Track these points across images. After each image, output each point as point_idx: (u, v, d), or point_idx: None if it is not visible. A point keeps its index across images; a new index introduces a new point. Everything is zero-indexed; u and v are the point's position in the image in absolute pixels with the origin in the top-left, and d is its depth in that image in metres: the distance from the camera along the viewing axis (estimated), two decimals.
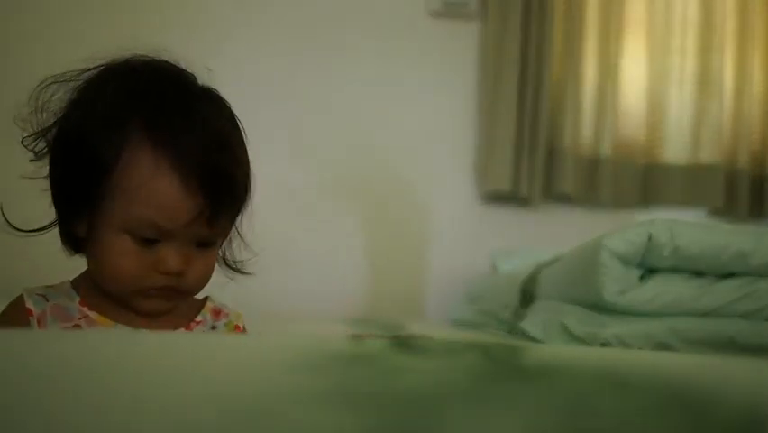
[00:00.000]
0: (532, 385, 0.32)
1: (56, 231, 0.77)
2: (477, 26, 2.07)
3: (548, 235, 2.01)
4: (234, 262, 0.79)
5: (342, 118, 2.03)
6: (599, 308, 1.03)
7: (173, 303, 0.71)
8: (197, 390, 0.30)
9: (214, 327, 0.76)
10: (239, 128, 0.74)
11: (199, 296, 0.77)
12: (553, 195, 2.04)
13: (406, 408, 0.28)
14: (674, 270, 1.00)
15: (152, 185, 0.66)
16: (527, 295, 1.31)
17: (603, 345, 0.97)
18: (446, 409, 0.28)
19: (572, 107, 2.02)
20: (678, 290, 0.98)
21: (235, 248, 0.79)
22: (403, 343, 0.41)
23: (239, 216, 0.75)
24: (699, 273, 1.00)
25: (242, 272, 0.79)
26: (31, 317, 0.68)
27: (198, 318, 0.76)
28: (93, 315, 0.70)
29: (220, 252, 0.77)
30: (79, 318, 0.69)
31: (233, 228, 0.76)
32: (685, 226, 0.97)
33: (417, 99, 2.06)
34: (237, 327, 0.78)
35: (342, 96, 2.03)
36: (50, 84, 0.74)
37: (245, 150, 0.74)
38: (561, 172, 2.01)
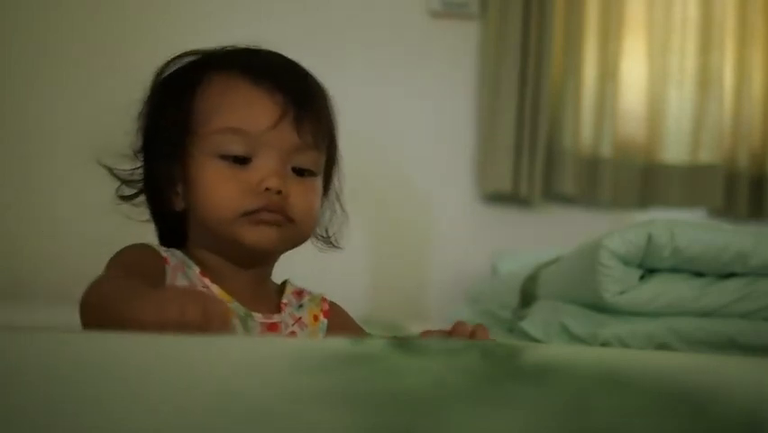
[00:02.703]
0: (532, 385, 0.32)
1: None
2: (477, 26, 2.07)
3: (548, 235, 2.01)
4: (328, 234, 0.78)
5: (342, 118, 2.03)
6: (600, 308, 1.03)
7: (283, 238, 0.68)
8: (197, 389, 0.30)
9: (300, 306, 0.76)
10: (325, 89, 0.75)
11: (277, 280, 0.77)
12: (552, 195, 2.04)
13: (406, 408, 0.28)
14: (674, 270, 1.00)
15: (228, 95, 0.67)
16: (527, 295, 1.31)
17: (603, 345, 0.97)
18: (446, 409, 0.28)
19: (572, 107, 2.02)
20: (678, 290, 0.98)
21: (331, 221, 0.78)
22: (403, 343, 0.41)
23: (333, 173, 0.75)
24: (699, 274, 1.00)
25: (335, 246, 0.79)
26: (167, 266, 0.67)
27: (284, 300, 0.75)
28: (214, 288, 0.69)
29: (319, 227, 0.76)
30: (203, 287, 0.68)
31: (333, 193, 0.76)
32: (685, 227, 0.97)
33: (417, 99, 2.06)
34: (324, 300, 0.78)
35: (341, 95, 2.03)
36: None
37: (330, 101, 0.75)
38: (561, 172, 2.01)
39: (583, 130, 2.03)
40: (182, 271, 0.68)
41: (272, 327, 0.71)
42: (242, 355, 0.37)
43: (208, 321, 0.48)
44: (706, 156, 2.07)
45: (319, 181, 0.72)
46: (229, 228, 0.67)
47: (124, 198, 0.73)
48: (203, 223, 0.69)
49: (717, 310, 0.97)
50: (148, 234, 0.72)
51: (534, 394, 0.30)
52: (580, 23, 2.03)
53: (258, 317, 0.70)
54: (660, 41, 2.08)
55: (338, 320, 0.78)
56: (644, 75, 2.08)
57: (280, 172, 0.66)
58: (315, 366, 0.33)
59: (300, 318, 0.75)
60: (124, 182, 0.74)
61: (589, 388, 0.32)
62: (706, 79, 2.08)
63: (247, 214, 0.66)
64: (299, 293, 0.78)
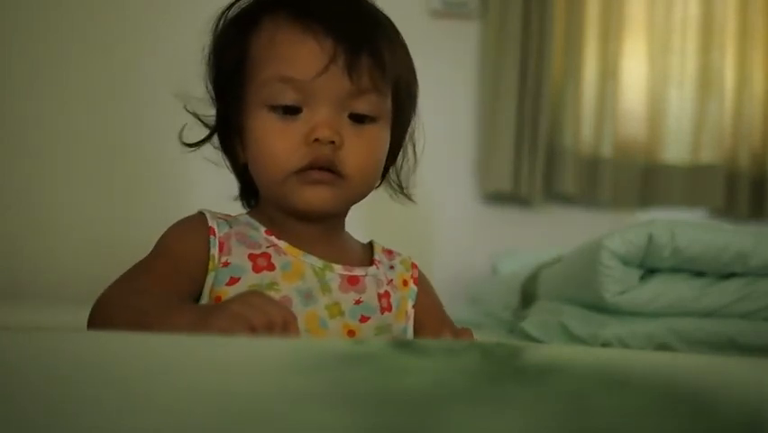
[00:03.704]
0: (532, 385, 0.32)
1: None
2: (477, 26, 2.07)
3: (548, 236, 2.01)
4: (400, 180, 0.74)
5: None
6: (600, 308, 1.03)
7: (337, 196, 0.65)
8: (197, 389, 0.30)
9: (392, 267, 0.73)
10: (395, 27, 0.70)
11: (363, 240, 0.75)
12: (553, 195, 2.04)
13: (406, 408, 0.28)
14: (675, 270, 1.00)
15: (276, 41, 0.63)
16: (528, 295, 1.31)
17: (604, 345, 0.97)
18: (446, 409, 0.28)
19: (572, 107, 2.02)
20: (678, 290, 0.98)
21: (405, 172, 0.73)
22: (403, 343, 0.41)
23: (406, 119, 0.70)
24: (699, 274, 1.00)
25: (408, 197, 0.75)
26: (212, 237, 0.65)
27: (376, 257, 0.72)
28: (281, 244, 0.67)
29: (392, 173, 0.72)
30: (267, 247, 0.66)
31: (407, 135, 0.71)
32: (686, 227, 0.97)
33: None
34: (414, 266, 0.75)
35: None
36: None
37: (399, 38, 0.69)
38: (561, 172, 2.01)
39: (584, 130, 2.03)
40: (239, 238, 0.66)
41: (352, 280, 0.68)
42: (242, 355, 0.37)
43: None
44: (706, 156, 2.07)
45: (382, 126, 0.67)
46: (280, 189, 0.65)
47: (188, 145, 0.70)
48: (257, 181, 0.68)
49: (718, 310, 0.97)
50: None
51: (534, 394, 0.30)
52: (580, 23, 2.03)
53: (338, 268, 0.67)
54: (660, 40, 2.08)
55: (424, 290, 0.75)
56: (645, 75, 2.08)
57: (332, 121, 0.62)
58: (314, 366, 0.33)
59: (392, 280, 0.72)
60: (210, 128, 0.71)
61: (589, 388, 0.32)
62: (706, 79, 2.08)
63: (297, 172, 0.63)
64: (389, 253, 0.75)
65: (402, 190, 0.75)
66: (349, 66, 0.61)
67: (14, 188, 1.83)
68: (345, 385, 0.30)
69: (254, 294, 0.53)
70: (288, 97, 0.62)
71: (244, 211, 0.74)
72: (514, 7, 1.98)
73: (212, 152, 0.73)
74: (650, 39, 2.08)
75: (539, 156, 1.99)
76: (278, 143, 0.63)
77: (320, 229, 0.69)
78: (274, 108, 0.63)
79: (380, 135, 0.67)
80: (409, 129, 0.73)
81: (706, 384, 0.35)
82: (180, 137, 0.70)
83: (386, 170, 0.73)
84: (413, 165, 0.74)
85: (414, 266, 0.75)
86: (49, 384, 0.30)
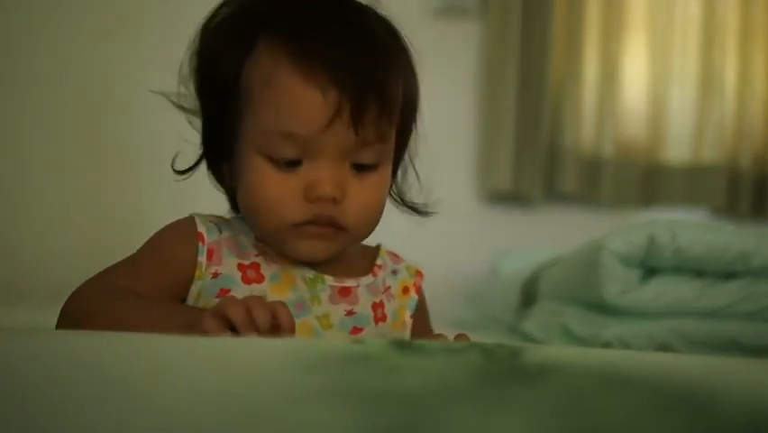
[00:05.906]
0: (532, 385, 0.32)
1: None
2: (477, 26, 2.07)
3: (549, 235, 2.01)
4: (410, 201, 0.71)
5: None
6: (601, 308, 1.02)
7: (335, 247, 0.62)
8: (197, 389, 0.30)
9: (394, 272, 0.71)
10: (398, 36, 0.66)
11: (370, 243, 0.71)
12: (554, 195, 2.04)
13: (406, 408, 0.28)
14: (676, 270, 1.00)
15: (275, 85, 0.57)
16: (528, 296, 1.31)
17: (604, 345, 0.97)
18: (446, 409, 0.28)
19: (573, 107, 2.02)
20: (679, 290, 0.98)
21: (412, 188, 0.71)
22: (403, 343, 0.41)
23: (409, 139, 0.67)
24: (700, 274, 1.00)
25: (422, 212, 0.72)
26: (201, 244, 0.62)
27: (379, 262, 0.70)
28: (270, 251, 0.64)
29: (393, 191, 0.69)
30: (256, 256, 0.63)
31: (406, 158, 0.69)
32: (687, 227, 0.97)
33: None
34: (419, 273, 0.73)
35: None
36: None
37: (406, 55, 0.65)
38: (562, 172, 2.01)
39: (584, 130, 2.03)
40: (230, 246, 0.63)
41: (343, 291, 0.65)
42: (242, 355, 0.37)
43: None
44: (708, 156, 2.07)
45: (384, 169, 0.64)
46: (274, 237, 0.62)
47: (179, 173, 0.67)
48: (248, 221, 0.64)
49: (719, 311, 0.97)
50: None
51: (534, 394, 0.30)
52: (580, 23, 2.03)
53: (329, 279, 0.65)
54: (661, 40, 2.08)
55: (420, 303, 0.72)
56: (646, 74, 2.08)
57: (335, 176, 0.59)
58: (314, 366, 0.33)
59: (389, 288, 0.69)
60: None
61: (589, 388, 0.32)
62: (708, 79, 2.08)
63: (295, 225, 0.60)
64: (395, 257, 0.73)
65: (404, 203, 0.72)
66: (354, 119, 0.57)
67: (13, 189, 1.83)
68: (345, 385, 0.30)
69: (225, 300, 0.51)
70: (288, 152, 0.58)
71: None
72: (514, 7, 1.98)
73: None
74: (651, 38, 2.08)
75: (539, 156, 1.99)
76: (274, 194, 0.59)
77: None
78: (272, 158, 0.59)
79: (383, 180, 0.64)
80: (410, 142, 0.70)
81: (707, 385, 0.35)
82: (173, 165, 0.66)
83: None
84: (417, 180, 0.73)
85: (418, 274, 0.74)
86: (49, 384, 0.30)
